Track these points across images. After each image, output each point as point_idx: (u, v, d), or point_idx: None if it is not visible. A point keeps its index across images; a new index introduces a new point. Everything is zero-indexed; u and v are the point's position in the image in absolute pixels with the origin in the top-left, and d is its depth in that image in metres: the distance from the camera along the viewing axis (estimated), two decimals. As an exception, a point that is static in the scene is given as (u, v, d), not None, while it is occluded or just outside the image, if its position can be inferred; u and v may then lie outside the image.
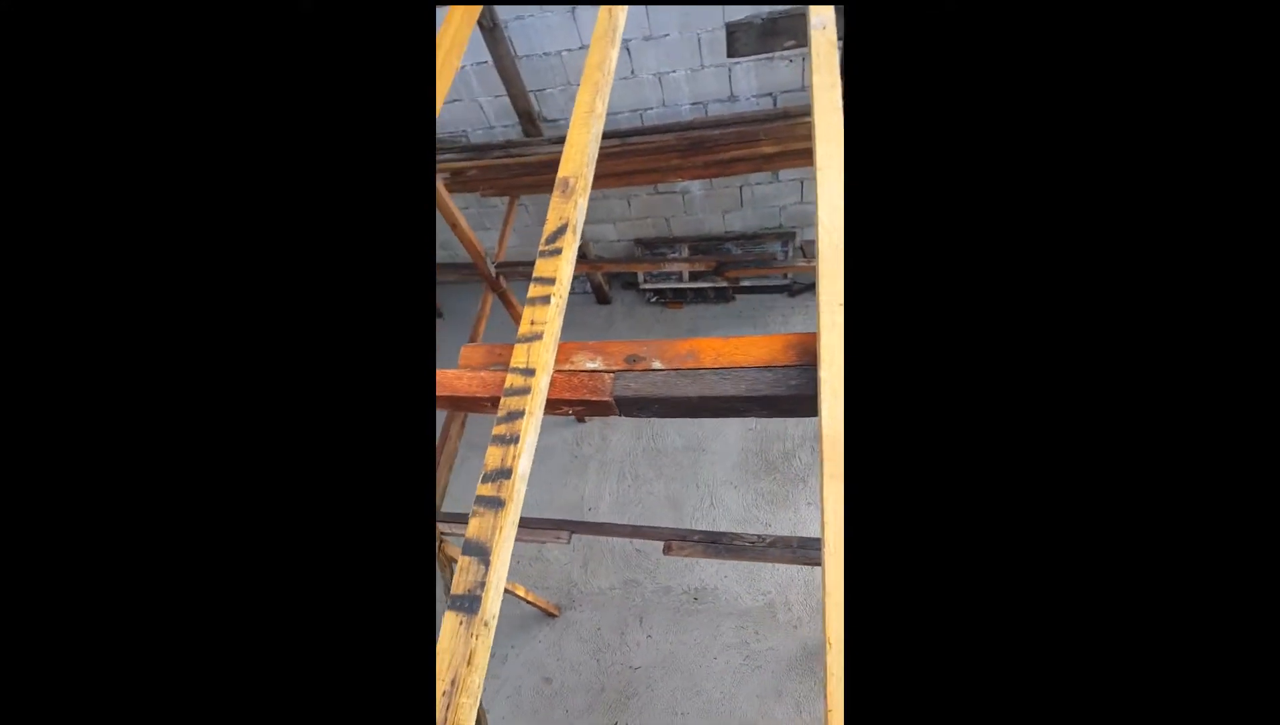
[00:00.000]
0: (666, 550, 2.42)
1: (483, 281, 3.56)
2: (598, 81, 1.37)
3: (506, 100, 3.61)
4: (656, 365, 1.01)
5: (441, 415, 3.37)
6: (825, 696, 0.70)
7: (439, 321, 5.14)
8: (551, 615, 3.74)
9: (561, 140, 3.38)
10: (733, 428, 4.17)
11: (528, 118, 3.55)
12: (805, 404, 0.94)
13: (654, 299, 4.66)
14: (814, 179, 1.02)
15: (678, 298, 4.58)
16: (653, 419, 4.29)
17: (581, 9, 3.21)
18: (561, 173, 1.23)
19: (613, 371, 1.03)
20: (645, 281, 4.55)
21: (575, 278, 4.87)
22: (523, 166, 3.35)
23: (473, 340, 3.39)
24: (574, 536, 2.56)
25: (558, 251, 1.13)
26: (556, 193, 1.21)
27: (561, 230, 1.15)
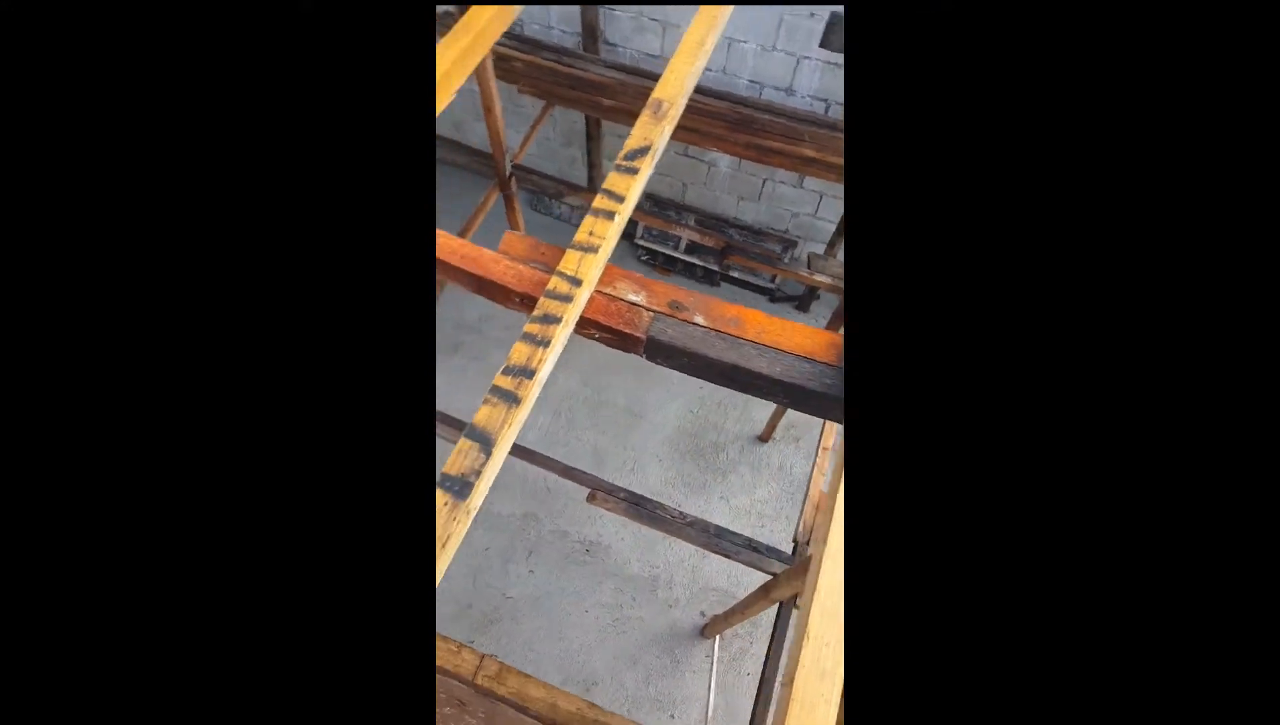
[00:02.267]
0: (590, 498, 2.42)
1: (488, 176, 3.41)
2: (715, 17, 1.31)
3: (574, 7, 3.43)
4: (699, 320, 0.99)
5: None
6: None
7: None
8: (444, 523, 3.71)
9: (618, 68, 3.26)
10: (674, 405, 4.20)
11: (590, 32, 3.39)
12: (831, 407, 0.94)
13: (644, 257, 4.60)
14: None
15: (668, 264, 4.54)
16: (601, 372, 4.27)
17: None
18: (657, 94, 1.17)
19: (654, 311, 1.00)
20: (642, 236, 4.48)
21: (575, 207, 4.74)
22: (571, 79, 3.19)
23: (462, 234, 3.25)
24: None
25: (634, 171, 1.07)
26: (647, 113, 1.15)
27: (643, 150, 1.10)
